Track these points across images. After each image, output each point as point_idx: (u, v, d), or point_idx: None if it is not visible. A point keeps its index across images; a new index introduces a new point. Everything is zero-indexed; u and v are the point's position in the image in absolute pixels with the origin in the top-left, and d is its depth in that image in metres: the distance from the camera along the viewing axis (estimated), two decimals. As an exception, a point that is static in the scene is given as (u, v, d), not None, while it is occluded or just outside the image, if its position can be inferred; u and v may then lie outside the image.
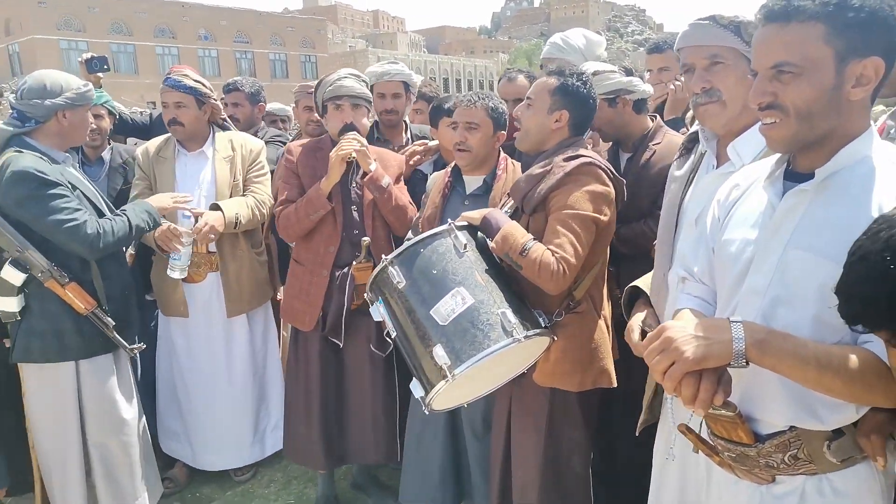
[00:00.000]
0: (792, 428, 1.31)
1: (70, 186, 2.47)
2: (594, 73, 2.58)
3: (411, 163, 3.06)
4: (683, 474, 1.70)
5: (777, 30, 1.23)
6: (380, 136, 3.30)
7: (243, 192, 3.12)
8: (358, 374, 2.85)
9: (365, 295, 2.22)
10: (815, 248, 1.23)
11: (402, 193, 2.83)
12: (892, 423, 1.17)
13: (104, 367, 2.62)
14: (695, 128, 1.81)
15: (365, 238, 2.66)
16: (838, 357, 1.18)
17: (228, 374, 3.19)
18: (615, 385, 2.23)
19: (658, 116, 2.73)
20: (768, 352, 1.19)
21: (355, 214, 2.77)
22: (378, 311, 2.09)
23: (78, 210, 2.44)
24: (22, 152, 2.43)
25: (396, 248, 2.82)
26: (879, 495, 1.28)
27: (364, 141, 2.69)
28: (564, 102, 2.18)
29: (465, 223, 2.13)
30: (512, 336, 1.89)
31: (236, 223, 2.96)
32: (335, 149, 2.64)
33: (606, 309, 2.30)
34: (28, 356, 2.53)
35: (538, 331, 1.99)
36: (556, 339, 2.12)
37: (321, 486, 3.07)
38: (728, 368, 1.23)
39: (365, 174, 2.70)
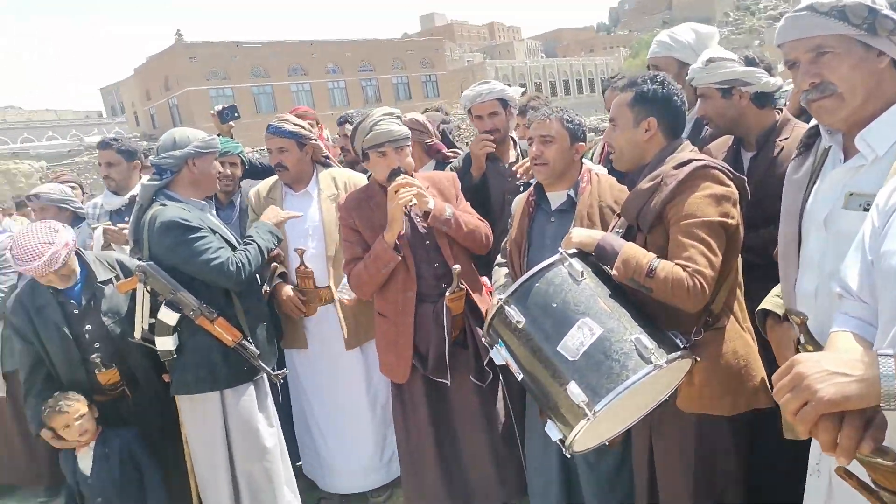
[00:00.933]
0: (970, 476, 1.09)
1: (210, 230, 2.69)
2: (709, 61, 2.40)
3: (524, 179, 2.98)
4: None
5: None
6: (489, 154, 3.27)
7: None
8: (467, 409, 2.77)
9: (483, 339, 2.18)
10: None
11: (467, 215, 2.74)
12: None
13: (247, 396, 2.81)
14: (814, 122, 1.60)
15: (455, 266, 2.59)
16: None
17: (350, 402, 3.27)
18: (773, 404, 2.00)
19: (784, 109, 2.46)
20: None
21: (429, 249, 2.70)
22: (500, 355, 2.01)
23: (220, 248, 2.68)
24: (166, 204, 2.70)
25: (478, 267, 2.77)
26: None
27: (415, 181, 2.58)
28: (647, 110, 2.05)
29: (576, 250, 2.02)
30: (652, 363, 1.76)
31: None
32: (391, 199, 2.54)
33: (748, 321, 2.08)
34: (185, 388, 2.76)
35: (678, 353, 1.84)
36: (698, 360, 1.95)
37: None
38: (884, 411, 1.05)
39: (426, 212, 2.63)
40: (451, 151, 3.56)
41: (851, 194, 1.45)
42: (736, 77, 2.37)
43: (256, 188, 3.34)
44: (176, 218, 2.62)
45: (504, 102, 3.22)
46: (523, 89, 3.54)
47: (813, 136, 1.62)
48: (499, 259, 2.70)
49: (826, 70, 1.44)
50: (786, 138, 2.32)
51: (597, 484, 2.47)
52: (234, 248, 2.78)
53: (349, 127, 3.92)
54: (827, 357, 1.10)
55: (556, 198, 2.50)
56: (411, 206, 2.57)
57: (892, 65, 1.46)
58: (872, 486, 1.23)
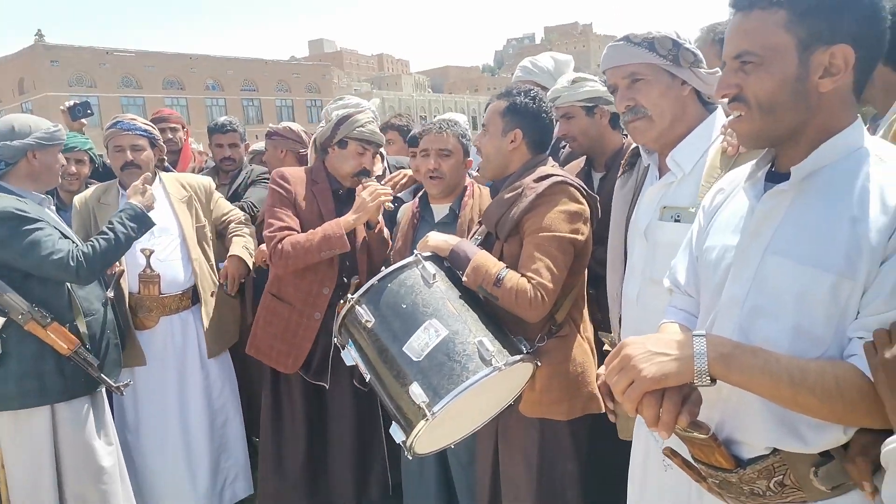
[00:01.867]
0: (775, 451, 1.20)
1: (49, 224, 2.46)
2: (573, 81, 2.56)
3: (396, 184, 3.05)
4: (665, 494, 1.59)
5: (741, 18, 1.17)
6: None
7: (226, 230, 3.16)
8: (343, 414, 2.74)
9: (334, 339, 2.14)
10: (794, 253, 1.15)
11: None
12: (876, 445, 1.06)
13: (81, 411, 2.54)
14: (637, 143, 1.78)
15: (355, 277, 2.58)
16: (815, 373, 1.08)
17: (183, 427, 3.04)
18: (605, 410, 2.11)
19: (627, 135, 2.68)
20: (734, 368, 1.10)
21: (347, 258, 2.68)
22: (350, 355, 2.00)
23: (61, 240, 2.44)
24: None
25: None
26: None
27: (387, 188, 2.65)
28: (516, 121, 2.14)
29: (432, 253, 2.06)
30: (492, 365, 1.79)
31: (249, 254, 3.03)
32: (370, 192, 2.54)
33: (589, 331, 2.21)
34: (5, 403, 2.45)
35: (520, 357, 1.89)
36: (539, 365, 2.02)
37: None
38: (700, 387, 1.13)
39: (368, 225, 2.66)
40: None
41: (665, 207, 1.61)
42: (599, 95, 2.55)
43: (82, 194, 3.06)
44: (10, 208, 2.37)
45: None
46: (378, 99, 3.62)
47: (636, 156, 1.80)
48: (383, 268, 2.69)
49: (638, 95, 1.62)
50: None
51: (467, 485, 2.48)
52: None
53: (235, 135, 3.75)
54: (651, 339, 1.18)
55: (439, 210, 2.56)
56: (389, 209, 2.60)
57: (693, 93, 1.68)
58: (693, 461, 1.33)
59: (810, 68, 1.12)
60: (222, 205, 3.25)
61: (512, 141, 2.15)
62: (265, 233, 2.63)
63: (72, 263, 2.42)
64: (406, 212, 2.64)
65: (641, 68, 1.61)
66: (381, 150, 3.35)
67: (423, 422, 1.76)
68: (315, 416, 2.75)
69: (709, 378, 1.10)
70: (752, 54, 1.14)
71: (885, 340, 1.04)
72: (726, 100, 1.22)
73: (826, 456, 1.17)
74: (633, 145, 1.79)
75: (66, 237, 2.52)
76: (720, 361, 1.10)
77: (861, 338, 1.09)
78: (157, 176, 3.09)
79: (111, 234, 2.55)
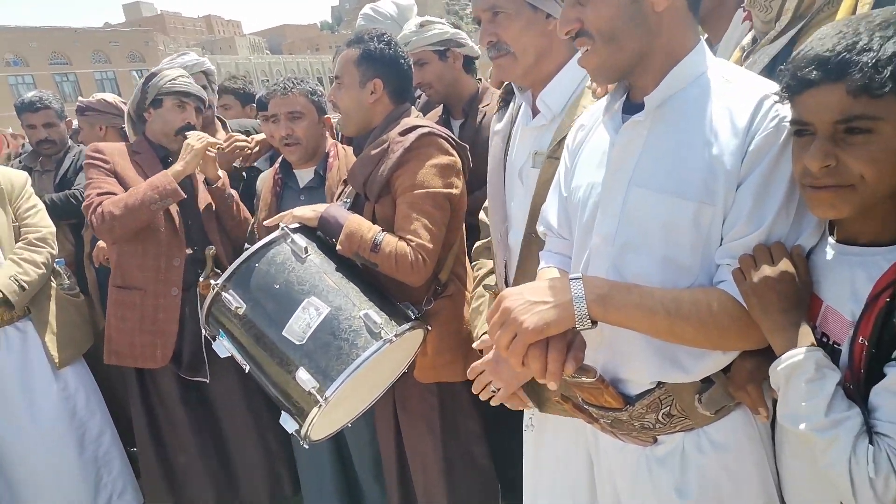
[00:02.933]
0: (660, 384, 1.22)
1: None
2: (421, 25, 2.44)
3: (232, 159, 2.74)
4: (561, 441, 1.60)
5: None
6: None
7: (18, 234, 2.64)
8: (233, 409, 2.49)
9: (203, 330, 1.92)
10: (655, 184, 1.14)
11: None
12: (762, 370, 1.09)
13: None
14: None
15: (210, 247, 2.33)
16: (688, 302, 1.09)
17: (44, 444, 2.67)
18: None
19: (483, 78, 2.62)
20: (612, 307, 1.09)
21: (191, 229, 2.42)
22: (223, 347, 1.82)
23: None
24: None
25: None
26: (759, 443, 1.22)
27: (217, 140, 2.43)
28: (374, 70, 1.98)
29: (299, 224, 1.89)
30: (382, 338, 1.70)
31: (20, 288, 2.46)
32: (195, 137, 2.34)
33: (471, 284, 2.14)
34: None
35: (409, 324, 1.80)
36: (430, 329, 1.94)
37: None
38: (582, 331, 1.10)
39: (208, 183, 2.42)
40: None
41: (536, 153, 1.55)
42: (449, 37, 2.45)
43: None
44: None
45: (205, 77, 2.93)
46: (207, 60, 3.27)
47: (510, 93, 1.70)
48: (246, 245, 2.43)
49: (500, 30, 1.50)
50: (487, 104, 2.46)
51: (371, 463, 2.37)
52: None
53: (49, 112, 3.22)
54: (528, 288, 1.13)
55: (304, 175, 2.34)
56: (212, 153, 2.37)
57: None
58: (583, 405, 1.32)
59: None
60: (25, 205, 2.69)
61: (372, 92, 1.98)
62: (84, 205, 2.30)
63: None
64: (266, 179, 2.40)
65: (501, 1, 1.48)
66: (218, 115, 3.06)
67: (315, 409, 1.65)
68: (201, 417, 2.47)
69: (590, 321, 1.09)
70: None
71: (751, 265, 1.07)
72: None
73: (707, 382, 1.20)
74: (506, 83, 1.69)
75: None
76: (598, 302, 1.09)
77: (728, 264, 1.11)
78: None
79: None
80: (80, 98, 3.33)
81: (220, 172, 2.43)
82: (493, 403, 1.59)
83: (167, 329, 2.33)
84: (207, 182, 2.44)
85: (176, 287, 2.33)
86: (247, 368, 1.80)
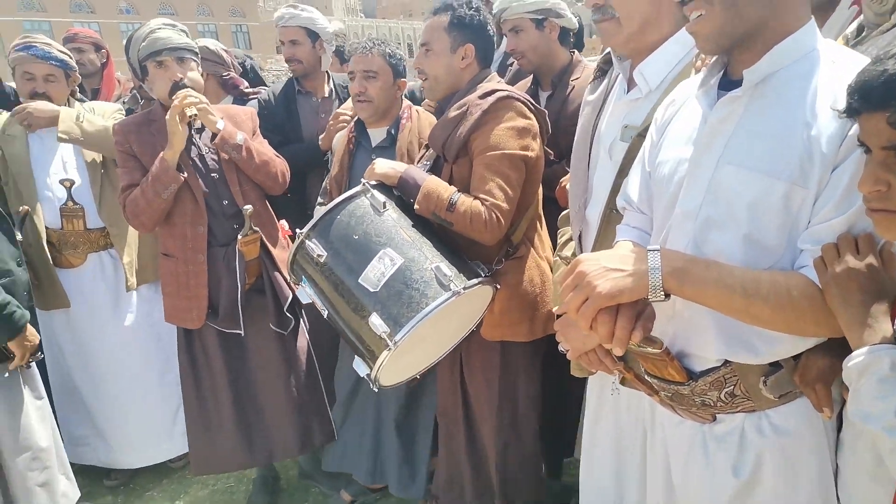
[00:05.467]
0: (726, 363, 1.22)
1: None
2: None
3: (335, 129, 2.77)
4: (620, 414, 1.63)
5: None
6: (300, 88, 3.09)
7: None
8: (267, 360, 2.57)
9: (288, 276, 2.04)
10: (748, 162, 1.12)
11: (263, 147, 2.48)
12: (835, 370, 1.09)
13: (12, 389, 2.31)
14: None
15: (247, 207, 2.36)
16: (767, 283, 1.08)
17: (130, 363, 2.91)
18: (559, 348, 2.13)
19: (577, 51, 2.59)
20: (688, 281, 1.09)
21: (217, 184, 2.43)
22: (305, 293, 1.93)
23: None
24: None
25: (273, 210, 2.59)
26: (822, 432, 1.21)
27: (202, 97, 2.32)
28: (465, 35, 2.03)
29: (379, 181, 1.97)
30: (450, 289, 1.76)
31: (78, 118, 2.66)
32: (171, 109, 2.26)
33: (548, 250, 2.18)
34: None
35: (478, 280, 1.86)
36: (499, 287, 1.99)
37: (257, 484, 2.85)
38: (654, 302, 1.12)
39: (214, 136, 2.35)
40: (253, 89, 3.28)
41: (626, 126, 1.53)
42: (549, 7, 2.43)
43: None
44: None
45: (311, 33, 3.02)
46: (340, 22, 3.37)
47: (608, 63, 1.69)
48: (319, 199, 2.57)
49: None
50: (577, 78, 2.44)
51: (400, 443, 2.48)
52: None
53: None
54: (605, 255, 1.16)
55: (376, 134, 2.43)
56: (192, 117, 2.27)
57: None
58: (645, 376, 1.35)
59: None
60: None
61: (463, 57, 2.04)
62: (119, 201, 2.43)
63: None
64: (342, 137, 2.51)
65: None
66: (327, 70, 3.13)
67: (385, 352, 1.73)
68: (239, 368, 2.57)
69: (663, 293, 1.10)
70: None
71: (834, 255, 1.05)
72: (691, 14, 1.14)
73: (775, 366, 1.20)
74: (606, 50, 1.67)
75: None
76: (674, 276, 1.09)
77: (811, 249, 1.09)
78: (69, 105, 2.81)
79: None
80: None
81: (219, 123, 2.33)
82: (569, 358, 1.62)
83: (199, 293, 2.42)
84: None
85: (201, 254, 2.40)
86: (325, 314, 1.90)
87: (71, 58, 2.80)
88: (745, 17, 1.10)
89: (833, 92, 1.07)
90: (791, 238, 1.12)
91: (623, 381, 1.48)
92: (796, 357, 1.18)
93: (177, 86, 2.31)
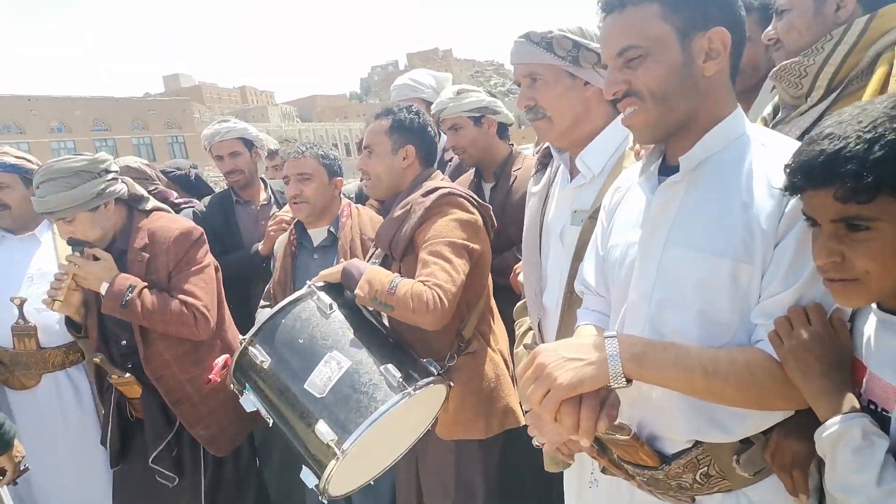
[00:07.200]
0: (698, 444, 1.21)
1: None
2: (458, 93, 2.55)
3: (275, 233, 2.77)
4: (601, 502, 1.56)
5: (615, 19, 1.18)
6: (238, 198, 3.10)
7: None
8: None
9: (231, 385, 1.94)
10: (692, 243, 1.16)
11: (155, 297, 2.22)
12: (811, 453, 1.08)
13: None
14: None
15: (97, 355, 2.30)
16: (726, 361, 1.09)
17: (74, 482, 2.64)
18: (523, 423, 2.07)
19: (514, 144, 2.70)
20: (647, 365, 1.09)
21: (116, 322, 2.32)
22: (249, 401, 1.84)
23: None
24: None
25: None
26: None
27: (80, 263, 2.21)
28: (406, 138, 2.10)
29: (324, 283, 1.95)
30: (400, 391, 1.70)
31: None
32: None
33: (501, 343, 2.16)
34: None
35: (430, 379, 1.81)
36: (452, 385, 1.94)
37: None
38: (617, 389, 1.10)
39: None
40: (185, 199, 3.23)
41: (575, 211, 1.58)
42: (485, 105, 2.56)
43: None
44: None
45: (247, 143, 3.06)
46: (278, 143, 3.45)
47: (548, 156, 1.76)
48: (262, 302, 2.51)
49: (538, 95, 1.57)
50: (518, 168, 2.53)
51: None
52: None
53: None
54: (563, 345, 1.14)
55: (317, 234, 2.44)
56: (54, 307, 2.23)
57: (600, 93, 1.58)
58: (619, 461, 1.31)
59: (693, 53, 1.15)
60: None
61: (405, 158, 2.10)
62: None
63: None
64: (282, 241, 2.51)
65: (540, 69, 1.55)
66: (262, 176, 3.16)
67: (333, 462, 1.64)
68: None
69: (624, 379, 1.09)
70: (636, 47, 1.15)
71: (787, 328, 1.07)
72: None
73: (746, 442, 1.18)
74: (544, 145, 1.74)
75: None
76: (633, 361, 1.09)
77: (764, 324, 1.11)
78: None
79: None
80: None
81: (102, 286, 2.21)
82: (546, 451, 1.57)
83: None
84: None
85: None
86: (271, 422, 1.81)
87: (30, 162, 2.67)
88: (676, 109, 1.17)
89: (766, 173, 1.13)
90: (743, 312, 1.14)
91: (603, 470, 1.44)
92: (766, 432, 1.17)
93: (73, 242, 2.26)
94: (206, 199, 3.14)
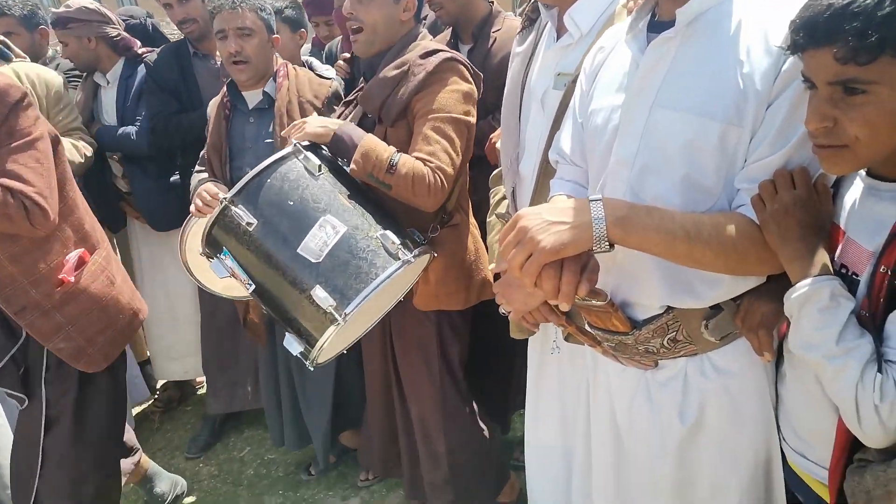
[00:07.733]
0: (669, 310, 1.22)
1: None
2: None
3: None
4: (563, 368, 1.62)
5: None
6: (196, 51, 2.85)
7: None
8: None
9: (199, 251, 1.83)
10: (681, 104, 1.10)
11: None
12: (778, 314, 1.09)
13: None
14: None
15: None
16: (709, 226, 1.08)
17: None
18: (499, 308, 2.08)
19: (495, 2, 2.49)
20: (632, 229, 1.06)
21: None
22: (223, 266, 1.74)
23: None
24: None
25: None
26: (762, 368, 1.23)
27: None
28: None
29: (309, 142, 1.81)
30: (399, 258, 1.66)
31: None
32: None
33: (472, 216, 2.12)
34: None
35: (422, 248, 1.77)
36: (435, 255, 1.91)
37: None
38: (595, 254, 1.09)
39: None
40: (148, 48, 2.96)
41: (559, 74, 1.48)
42: None
43: None
44: None
45: None
46: None
47: (536, 12, 1.62)
48: (197, 167, 2.36)
49: None
50: (498, 29, 2.35)
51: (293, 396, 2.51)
52: None
53: (7, 21, 2.87)
54: (546, 209, 1.11)
55: (252, 96, 2.26)
56: None
57: None
58: (588, 328, 1.33)
59: None
60: (70, 118, 2.59)
61: (405, 10, 1.87)
62: None
63: None
64: (215, 103, 2.32)
65: None
66: None
67: (332, 327, 1.62)
68: None
69: (608, 243, 1.07)
70: None
71: (771, 192, 1.05)
72: None
73: (715, 308, 1.20)
74: (532, 1, 1.59)
75: None
76: (618, 224, 1.06)
77: (748, 189, 1.09)
78: None
79: None
80: (52, 10, 3.01)
81: None
82: (511, 319, 1.59)
83: None
84: None
85: None
86: (250, 289, 1.75)
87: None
88: None
89: (764, 30, 1.06)
90: (728, 178, 1.12)
91: (567, 338, 1.46)
92: (736, 299, 1.18)
93: None
94: (159, 50, 2.86)
